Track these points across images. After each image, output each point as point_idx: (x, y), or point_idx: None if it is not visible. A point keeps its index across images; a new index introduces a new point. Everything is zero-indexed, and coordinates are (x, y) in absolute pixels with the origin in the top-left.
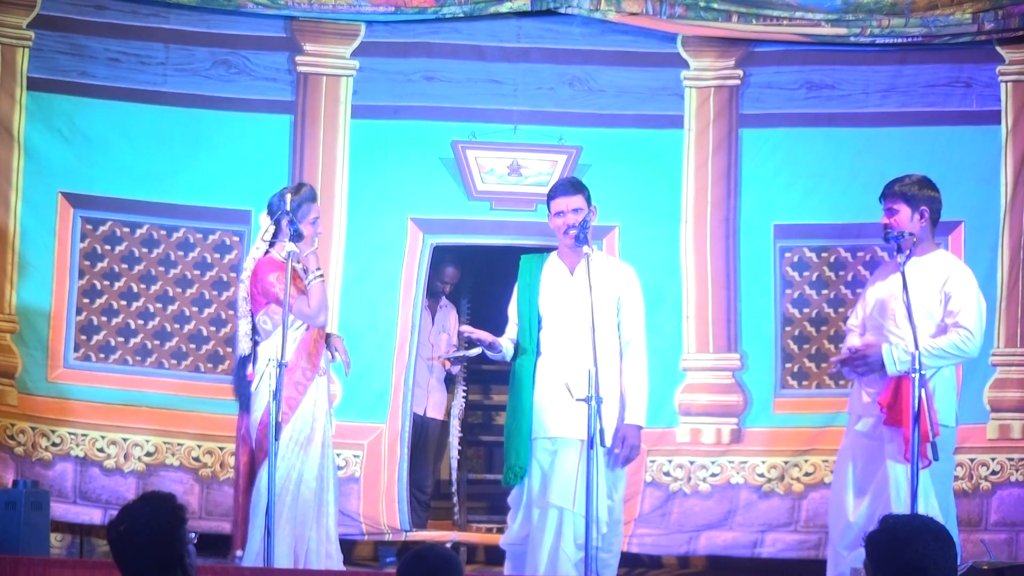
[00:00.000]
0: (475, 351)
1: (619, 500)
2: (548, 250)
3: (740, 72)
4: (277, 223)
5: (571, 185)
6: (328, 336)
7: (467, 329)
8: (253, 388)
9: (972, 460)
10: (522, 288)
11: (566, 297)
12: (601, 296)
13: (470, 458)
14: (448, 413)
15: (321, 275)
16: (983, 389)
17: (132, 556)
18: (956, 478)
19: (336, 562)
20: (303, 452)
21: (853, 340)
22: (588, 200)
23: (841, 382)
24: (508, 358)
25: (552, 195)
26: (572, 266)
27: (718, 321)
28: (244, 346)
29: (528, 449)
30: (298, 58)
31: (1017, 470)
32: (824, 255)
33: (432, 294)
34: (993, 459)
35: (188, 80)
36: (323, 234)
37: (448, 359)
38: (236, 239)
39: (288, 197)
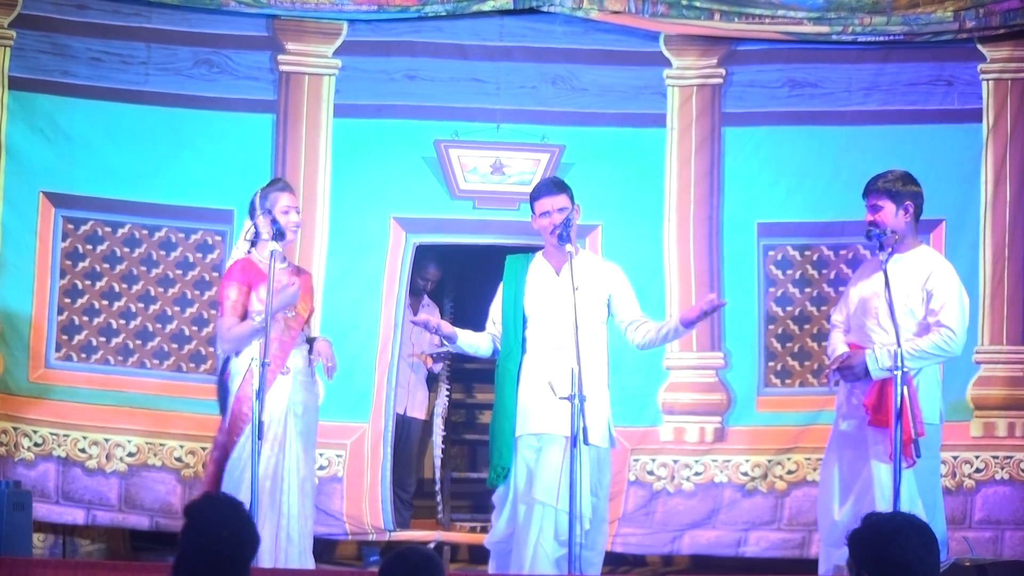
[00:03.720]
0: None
1: (604, 497)
2: (531, 249)
3: (723, 71)
4: (253, 221)
5: (555, 185)
6: (313, 339)
7: (421, 319)
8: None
9: (955, 458)
10: (507, 288)
11: (552, 297)
12: (588, 295)
13: (454, 457)
14: (431, 412)
15: (262, 324)
16: (967, 387)
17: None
18: (940, 476)
19: (298, 565)
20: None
21: (837, 336)
22: (572, 199)
23: (823, 379)
24: (478, 353)
25: (536, 196)
26: (558, 266)
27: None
28: None
29: (511, 449)
30: (280, 57)
31: (1002, 468)
32: (807, 253)
33: (414, 292)
34: (977, 457)
35: (170, 79)
36: (305, 230)
37: (430, 355)
38: (218, 239)
39: (259, 193)
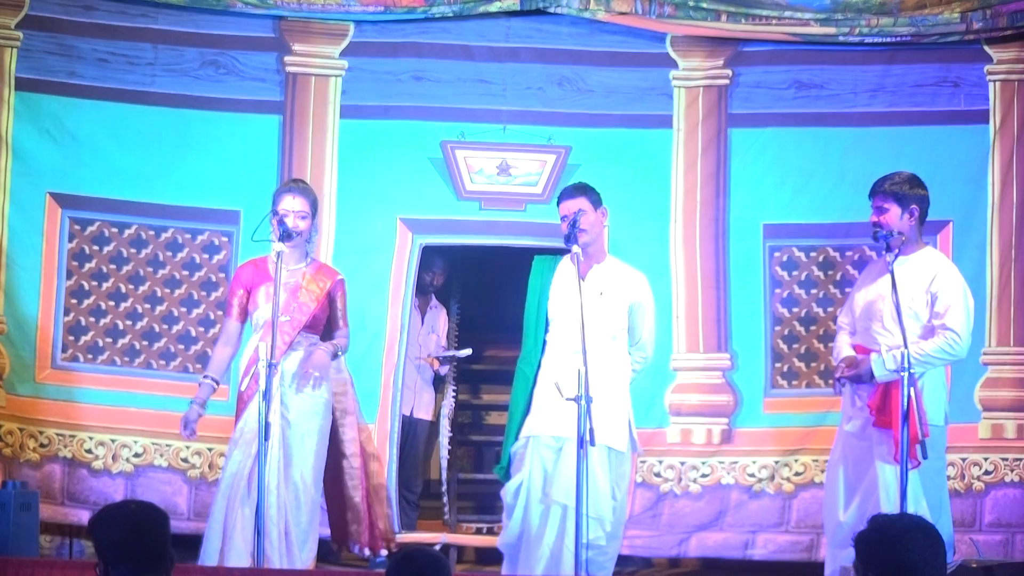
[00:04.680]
0: (465, 352)
1: (622, 499)
2: (539, 251)
3: (729, 72)
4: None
5: (573, 189)
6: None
7: None
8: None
9: (964, 460)
10: (532, 289)
11: (576, 301)
12: (611, 302)
13: (460, 458)
14: (438, 413)
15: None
16: (974, 388)
17: (121, 545)
18: (948, 478)
19: (278, 565)
20: (236, 450)
21: (843, 339)
22: (594, 202)
23: (831, 381)
24: None
25: (557, 200)
26: (584, 271)
27: (708, 321)
28: None
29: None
30: (287, 58)
31: (1012, 470)
32: (813, 254)
33: (422, 291)
34: (986, 459)
35: (176, 80)
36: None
37: (437, 359)
38: (225, 239)
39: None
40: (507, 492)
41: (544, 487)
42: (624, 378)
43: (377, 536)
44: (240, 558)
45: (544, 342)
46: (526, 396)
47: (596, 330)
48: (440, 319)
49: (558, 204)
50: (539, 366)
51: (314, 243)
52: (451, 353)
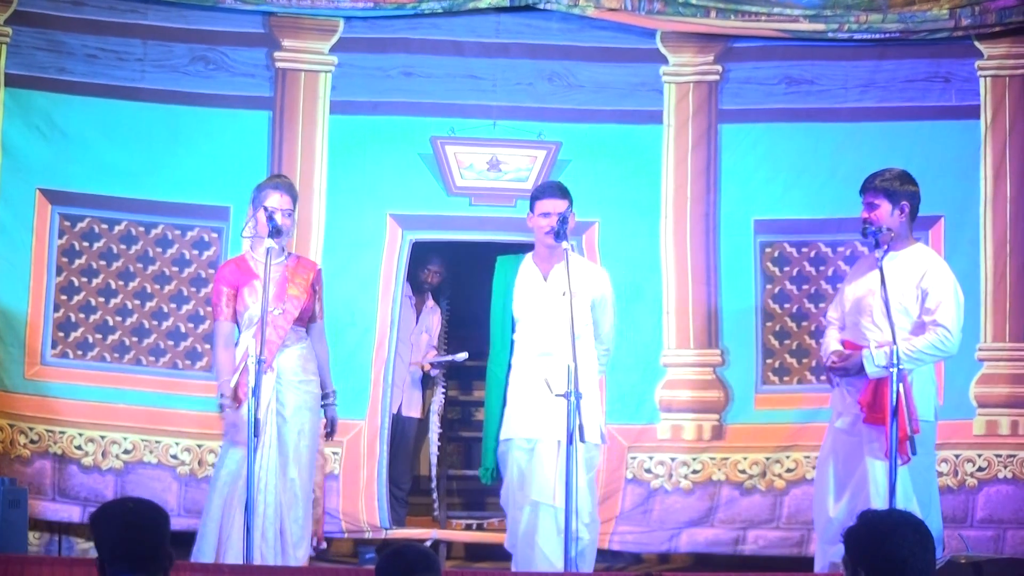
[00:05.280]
0: (461, 356)
1: (594, 492)
2: (527, 247)
3: (719, 68)
4: (254, 215)
5: (561, 190)
6: (328, 396)
7: None
8: None
9: (957, 456)
10: (497, 290)
11: (540, 300)
12: (575, 299)
13: (449, 454)
14: (427, 410)
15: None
16: (969, 384)
17: (118, 543)
18: (941, 474)
19: (273, 563)
20: (234, 448)
21: (832, 334)
22: (571, 204)
23: (822, 377)
24: None
25: (540, 195)
26: (546, 271)
27: (699, 317)
28: None
29: (494, 451)
30: (276, 54)
31: (1005, 467)
32: (804, 250)
33: (418, 290)
34: (980, 455)
35: (166, 76)
36: (301, 226)
37: (431, 363)
38: (215, 235)
39: (256, 188)
40: (502, 497)
41: (522, 487)
42: (593, 373)
43: (320, 532)
44: (238, 557)
45: (512, 342)
46: (500, 397)
47: (561, 328)
48: (434, 319)
49: (540, 199)
50: (509, 367)
51: (292, 237)
52: (448, 359)
